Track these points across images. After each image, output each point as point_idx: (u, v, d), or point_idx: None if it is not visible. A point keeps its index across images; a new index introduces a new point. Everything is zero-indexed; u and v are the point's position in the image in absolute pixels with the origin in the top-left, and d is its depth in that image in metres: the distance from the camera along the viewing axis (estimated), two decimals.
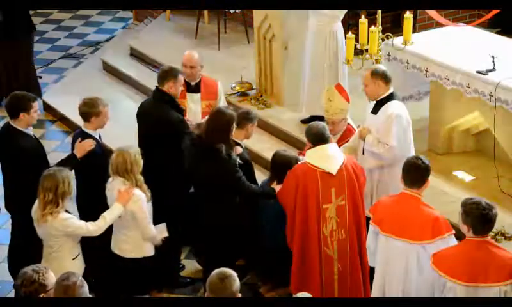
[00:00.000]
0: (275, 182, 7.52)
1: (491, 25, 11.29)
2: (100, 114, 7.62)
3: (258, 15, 10.59)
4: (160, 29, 13.33)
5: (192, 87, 8.51)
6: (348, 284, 7.35)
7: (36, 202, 6.96)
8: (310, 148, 7.29)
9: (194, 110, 8.47)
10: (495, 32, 10.01)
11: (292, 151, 7.85)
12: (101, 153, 7.61)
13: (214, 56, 12.12)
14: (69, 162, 7.55)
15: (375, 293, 6.70)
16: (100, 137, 7.79)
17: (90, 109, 7.62)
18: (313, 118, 9.90)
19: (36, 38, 12.14)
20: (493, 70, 8.37)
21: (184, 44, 12.51)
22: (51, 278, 5.71)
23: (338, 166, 7.18)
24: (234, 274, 5.51)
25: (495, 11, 9.76)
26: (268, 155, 9.52)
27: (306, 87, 9.81)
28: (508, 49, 8.91)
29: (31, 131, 7.75)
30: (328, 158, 7.20)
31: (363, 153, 7.76)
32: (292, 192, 7.19)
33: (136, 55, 12.66)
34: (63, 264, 6.87)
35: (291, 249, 7.36)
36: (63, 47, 14.24)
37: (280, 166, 7.53)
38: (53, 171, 6.93)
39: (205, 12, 13.22)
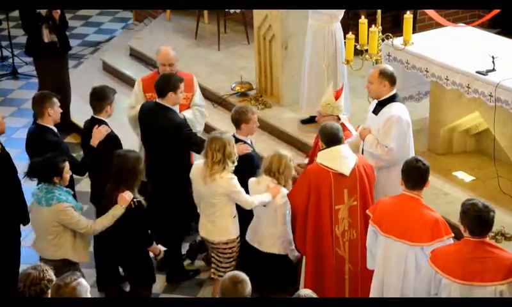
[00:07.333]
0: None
1: (491, 26, 11.28)
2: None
3: (258, 15, 10.58)
4: (160, 29, 13.33)
5: None
6: (359, 284, 7.36)
7: (200, 163, 7.38)
8: (323, 148, 7.29)
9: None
10: (495, 33, 10.00)
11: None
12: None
13: (214, 56, 12.13)
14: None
15: (374, 293, 6.70)
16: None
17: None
18: (313, 118, 9.94)
19: None
20: (493, 70, 8.37)
21: (184, 44, 12.52)
22: (52, 275, 5.74)
23: (351, 167, 7.19)
24: (247, 278, 5.53)
25: (495, 12, 9.74)
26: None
27: (306, 87, 9.80)
28: (508, 49, 8.91)
29: None
30: (342, 159, 7.20)
31: (362, 154, 7.75)
32: (305, 193, 7.19)
33: (136, 55, 12.66)
34: (225, 222, 7.41)
35: (302, 252, 7.37)
36: None
37: None
38: (220, 134, 7.36)
39: (205, 12, 13.22)
